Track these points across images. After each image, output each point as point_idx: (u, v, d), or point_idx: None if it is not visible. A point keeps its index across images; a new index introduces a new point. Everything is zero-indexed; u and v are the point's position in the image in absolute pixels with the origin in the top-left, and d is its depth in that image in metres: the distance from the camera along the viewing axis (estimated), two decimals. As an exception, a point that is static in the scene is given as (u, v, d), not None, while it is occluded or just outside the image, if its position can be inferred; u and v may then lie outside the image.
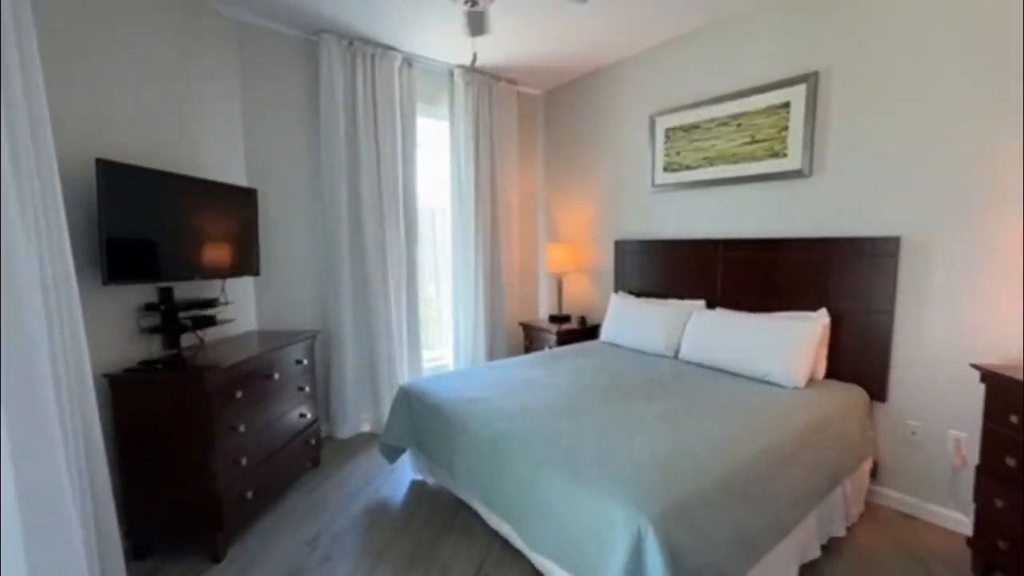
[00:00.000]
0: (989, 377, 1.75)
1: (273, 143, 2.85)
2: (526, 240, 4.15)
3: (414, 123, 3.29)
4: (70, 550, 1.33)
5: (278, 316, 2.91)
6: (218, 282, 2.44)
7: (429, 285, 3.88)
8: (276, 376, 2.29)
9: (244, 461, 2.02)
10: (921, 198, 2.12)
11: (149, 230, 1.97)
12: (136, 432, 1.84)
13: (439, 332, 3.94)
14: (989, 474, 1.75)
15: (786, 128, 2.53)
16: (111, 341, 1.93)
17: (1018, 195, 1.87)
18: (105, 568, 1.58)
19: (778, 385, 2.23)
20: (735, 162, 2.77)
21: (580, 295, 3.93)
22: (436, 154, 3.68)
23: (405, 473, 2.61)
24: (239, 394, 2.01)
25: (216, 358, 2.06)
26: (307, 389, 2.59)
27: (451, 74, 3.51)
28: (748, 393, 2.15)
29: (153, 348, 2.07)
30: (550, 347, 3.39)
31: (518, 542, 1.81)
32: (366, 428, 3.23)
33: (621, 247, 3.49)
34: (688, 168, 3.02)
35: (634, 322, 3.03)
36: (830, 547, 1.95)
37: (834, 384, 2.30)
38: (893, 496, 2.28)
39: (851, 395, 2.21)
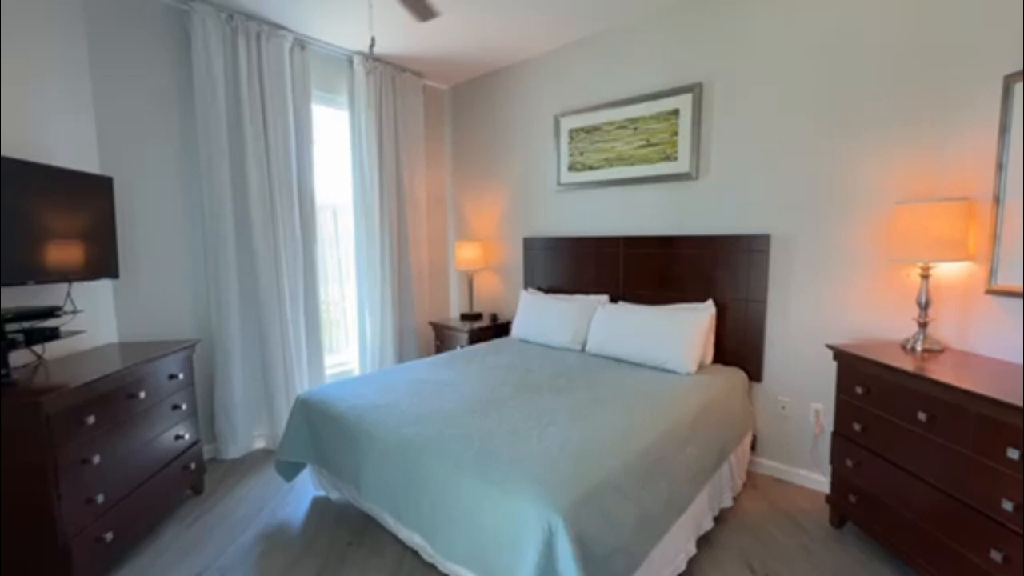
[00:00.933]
0: (839, 355, 2.02)
1: (134, 127, 2.46)
2: (435, 238, 4.05)
3: (309, 112, 3.04)
4: None
5: (147, 325, 2.52)
6: (63, 287, 2.05)
7: (333, 286, 3.64)
8: (142, 395, 1.98)
9: (101, 498, 1.71)
10: (785, 201, 2.41)
11: (-43, 224, 1.58)
12: (-57, 477, 1.48)
13: (346, 335, 3.70)
14: (841, 438, 2.03)
15: (676, 134, 2.73)
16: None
17: (857, 200, 2.20)
18: None
19: (674, 372, 2.40)
20: (632, 164, 2.93)
21: (491, 293, 3.92)
22: (339, 147, 3.45)
23: (306, 490, 2.41)
24: (91, 419, 1.70)
25: (61, 378, 1.72)
26: (184, 407, 2.27)
27: (351, 61, 3.31)
28: (648, 381, 2.28)
29: (-31, 371, 1.67)
30: (462, 346, 3.34)
31: (431, 553, 1.75)
32: (260, 445, 2.93)
33: (530, 244, 3.54)
34: (591, 168, 3.14)
35: (543, 318, 3.09)
36: (720, 517, 2.13)
37: (720, 368, 2.53)
38: (769, 464, 2.56)
39: (734, 377, 2.44)
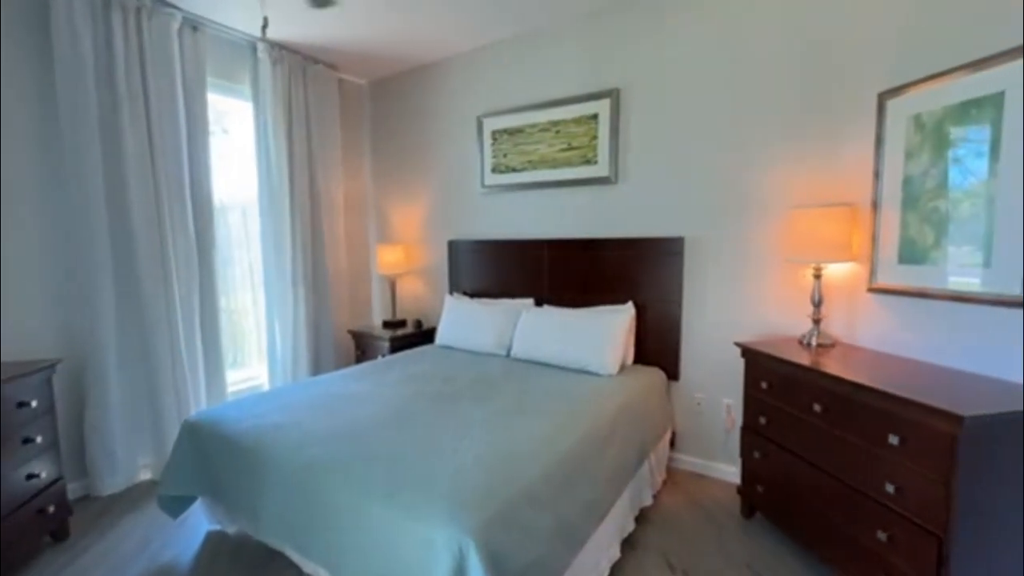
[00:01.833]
0: (746, 352, 2.12)
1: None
2: (355, 241, 3.83)
3: (204, 102, 2.73)
4: None
5: (-8, 344, 2.12)
6: None
7: (243, 293, 3.31)
8: (-22, 429, 1.64)
9: (-89, 561, 1.39)
10: (697, 205, 2.51)
11: None
12: None
13: (258, 348, 3.38)
14: (749, 431, 2.12)
15: (596, 138, 2.76)
16: None
17: (760, 205, 2.33)
18: None
19: (596, 374, 2.41)
20: (555, 167, 2.93)
21: (416, 298, 3.77)
22: (245, 143, 3.14)
23: (198, 525, 2.14)
24: None
25: None
26: (39, 439, 1.92)
27: (254, 48, 3.03)
28: (571, 384, 2.26)
29: None
30: (383, 355, 3.17)
31: (338, 585, 1.59)
32: (146, 476, 2.58)
33: (454, 247, 3.44)
34: (515, 170, 3.11)
35: (468, 323, 3.00)
36: (642, 517, 2.15)
37: (640, 368, 2.58)
38: (687, 460, 2.65)
39: (654, 377, 2.50)
